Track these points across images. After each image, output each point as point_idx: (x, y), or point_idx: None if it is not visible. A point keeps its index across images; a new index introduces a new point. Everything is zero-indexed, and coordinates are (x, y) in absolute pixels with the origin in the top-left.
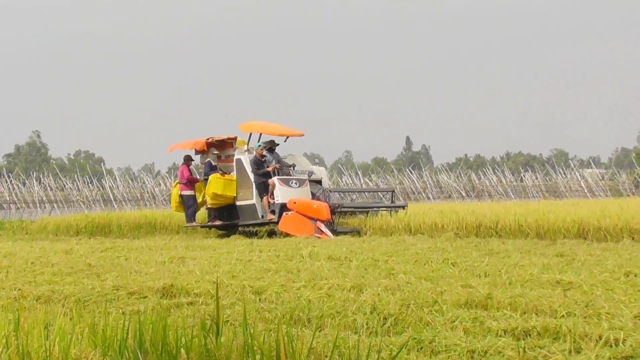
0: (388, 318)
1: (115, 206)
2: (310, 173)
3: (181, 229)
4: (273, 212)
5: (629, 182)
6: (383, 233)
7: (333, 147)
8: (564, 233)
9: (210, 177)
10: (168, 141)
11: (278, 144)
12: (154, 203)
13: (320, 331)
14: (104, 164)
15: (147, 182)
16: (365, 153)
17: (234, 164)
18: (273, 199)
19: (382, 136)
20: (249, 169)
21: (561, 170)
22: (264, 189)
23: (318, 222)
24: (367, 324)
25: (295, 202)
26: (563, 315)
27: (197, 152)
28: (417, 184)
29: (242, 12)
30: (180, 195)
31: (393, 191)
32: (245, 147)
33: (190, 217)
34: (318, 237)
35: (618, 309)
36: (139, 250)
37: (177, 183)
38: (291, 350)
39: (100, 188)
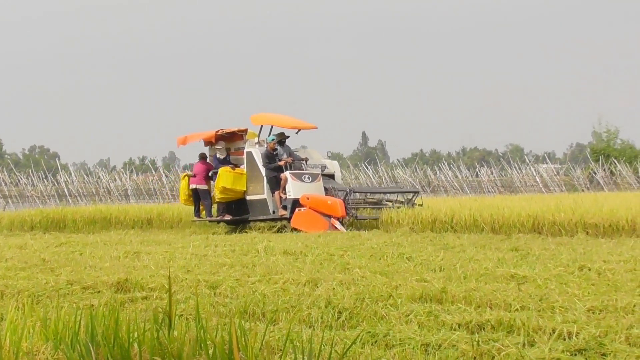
0: (343, 312)
1: (70, 201)
2: (323, 167)
3: (136, 223)
4: (285, 207)
5: (583, 177)
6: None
7: (289, 142)
8: (519, 228)
9: (220, 171)
10: (124, 136)
11: (289, 137)
12: (109, 198)
13: (274, 325)
14: (59, 159)
15: (102, 178)
16: (321, 148)
17: (244, 157)
18: (285, 194)
19: (338, 132)
20: (260, 162)
21: (516, 166)
22: (276, 184)
23: (332, 218)
24: (321, 318)
25: (308, 198)
26: (517, 309)
27: (205, 144)
28: (373, 179)
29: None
30: (194, 190)
31: (418, 192)
32: (256, 140)
33: (208, 210)
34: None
35: (572, 303)
36: (93, 245)
37: (185, 176)
38: (244, 343)
39: (55, 183)
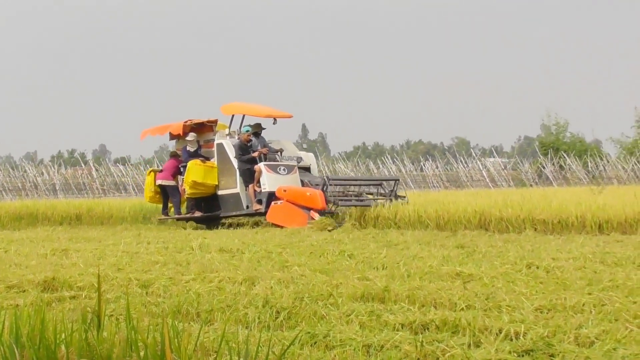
0: (281, 312)
1: None
2: (299, 159)
3: (65, 219)
4: (260, 201)
5: (531, 171)
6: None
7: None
8: (465, 224)
9: (189, 164)
10: (53, 128)
11: (265, 128)
12: (36, 193)
13: (209, 325)
14: None
15: (28, 171)
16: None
17: (215, 149)
18: (259, 187)
19: (278, 124)
20: (231, 154)
21: (462, 160)
22: (250, 177)
23: (312, 211)
24: (258, 318)
25: (285, 190)
26: (462, 309)
27: (171, 137)
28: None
29: None
30: (161, 186)
31: (398, 180)
32: (227, 131)
33: (176, 207)
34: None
35: (519, 302)
36: (19, 242)
37: (151, 171)
38: (177, 344)
39: None
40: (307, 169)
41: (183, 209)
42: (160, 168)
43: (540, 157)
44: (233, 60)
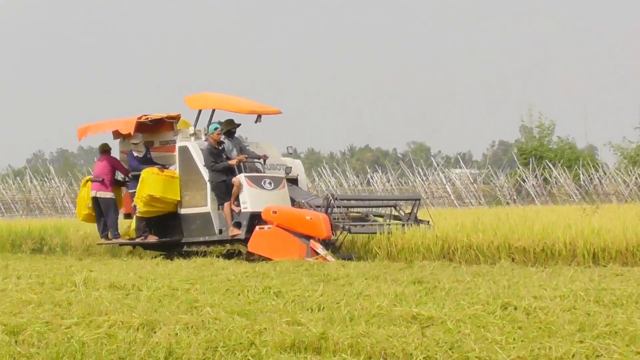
0: None
1: None
2: (288, 169)
3: None
4: (238, 224)
5: (509, 186)
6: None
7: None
8: (424, 253)
9: (144, 174)
10: None
11: (239, 125)
12: None
13: None
14: None
15: None
16: None
17: (177, 154)
18: (238, 205)
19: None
20: (199, 161)
21: (421, 170)
22: (225, 192)
23: (312, 240)
24: None
25: (275, 212)
26: None
27: (117, 136)
28: None
29: None
30: (95, 199)
31: (419, 199)
32: (191, 130)
33: (113, 229)
34: (312, 262)
35: (492, 352)
36: None
37: (87, 180)
38: None
39: None
40: (294, 181)
41: (130, 230)
42: (94, 174)
43: (519, 168)
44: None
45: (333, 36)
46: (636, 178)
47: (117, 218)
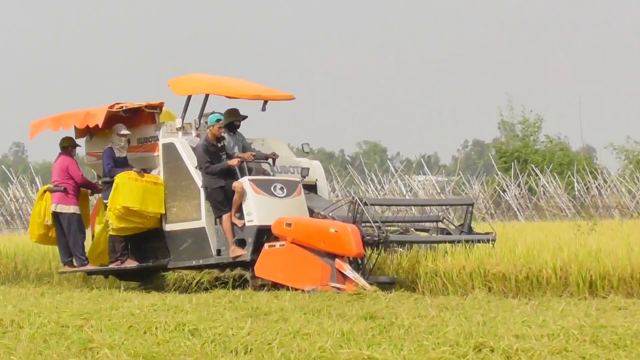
0: None
1: None
2: (305, 171)
3: None
4: (241, 243)
5: (485, 196)
6: None
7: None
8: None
9: (118, 179)
10: None
11: (246, 117)
12: None
13: None
14: None
15: None
16: None
17: (160, 153)
18: (242, 218)
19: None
20: (190, 162)
21: (374, 177)
22: (225, 201)
23: (338, 260)
24: None
25: (290, 225)
26: None
27: (80, 133)
28: None
29: None
30: (55, 214)
31: (472, 204)
32: (178, 123)
33: (78, 252)
34: (337, 289)
35: None
36: None
37: (44, 191)
38: None
39: None
40: (311, 188)
41: (100, 254)
42: (54, 182)
43: (498, 174)
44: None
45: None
46: None
47: (84, 238)
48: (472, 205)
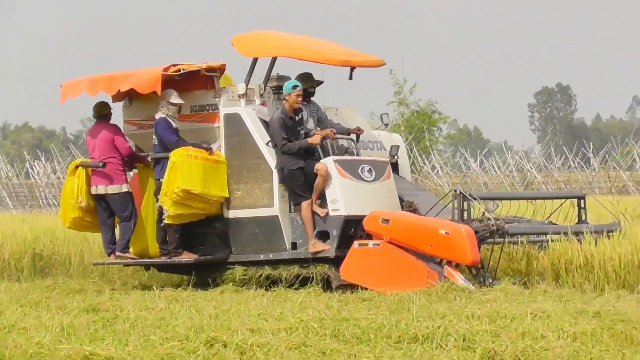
0: None
1: None
2: (394, 149)
3: None
4: (324, 235)
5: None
6: None
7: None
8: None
9: (173, 156)
10: None
11: (321, 82)
12: None
13: None
14: None
15: None
16: None
17: (221, 125)
18: (325, 206)
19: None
20: (260, 137)
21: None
22: (304, 185)
23: (447, 267)
24: None
25: (388, 221)
26: None
27: (115, 99)
28: None
29: None
30: (100, 197)
31: (583, 197)
32: (242, 89)
33: (125, 240)
34: None
35: None
36: None
37: (76, 165)
38: None
39: None
40: (393, 167)
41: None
42: (92, 156)
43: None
44: None
45: None
46: None
47: (135, 224)
48: (583, 198)
